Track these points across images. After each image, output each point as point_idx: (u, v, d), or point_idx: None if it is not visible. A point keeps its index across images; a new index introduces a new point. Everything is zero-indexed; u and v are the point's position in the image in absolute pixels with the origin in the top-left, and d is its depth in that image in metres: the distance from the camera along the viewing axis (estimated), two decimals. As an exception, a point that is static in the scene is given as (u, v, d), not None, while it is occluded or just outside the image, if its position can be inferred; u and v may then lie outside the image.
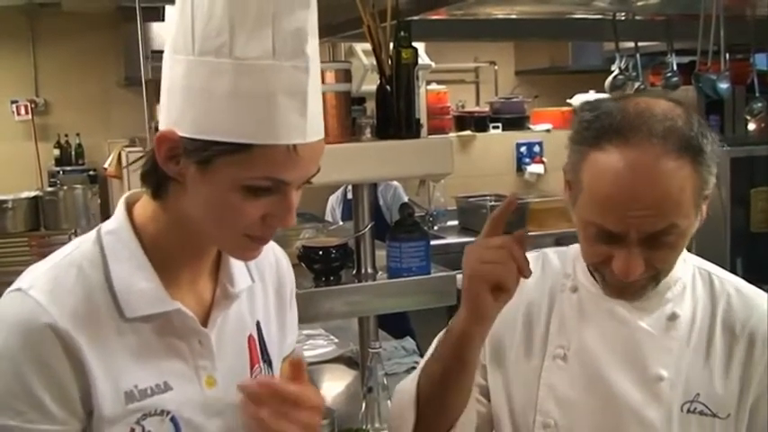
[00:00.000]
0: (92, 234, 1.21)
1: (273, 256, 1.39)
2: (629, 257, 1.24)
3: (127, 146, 5.89)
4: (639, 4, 3.17)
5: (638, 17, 3.47)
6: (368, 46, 2.16)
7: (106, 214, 8.09)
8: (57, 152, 7.72)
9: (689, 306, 1.36)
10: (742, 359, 1.32)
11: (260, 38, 1.07)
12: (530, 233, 4.37)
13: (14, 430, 1.08)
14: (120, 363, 1.14)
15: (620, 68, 3.55)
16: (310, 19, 1.10)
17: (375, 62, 2.12)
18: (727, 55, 3.06)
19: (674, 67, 3.49)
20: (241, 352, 1.29)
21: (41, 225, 6.79)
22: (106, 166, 6.07)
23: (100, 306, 1.14)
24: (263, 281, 1.35)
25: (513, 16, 3.31)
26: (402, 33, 2.07)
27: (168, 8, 1.10)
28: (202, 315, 1.23)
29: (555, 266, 1.48)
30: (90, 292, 1.14)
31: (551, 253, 1.51)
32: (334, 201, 4.80)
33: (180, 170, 1.11)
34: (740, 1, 3.17)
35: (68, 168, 7.62)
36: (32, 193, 6.88)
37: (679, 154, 1.20)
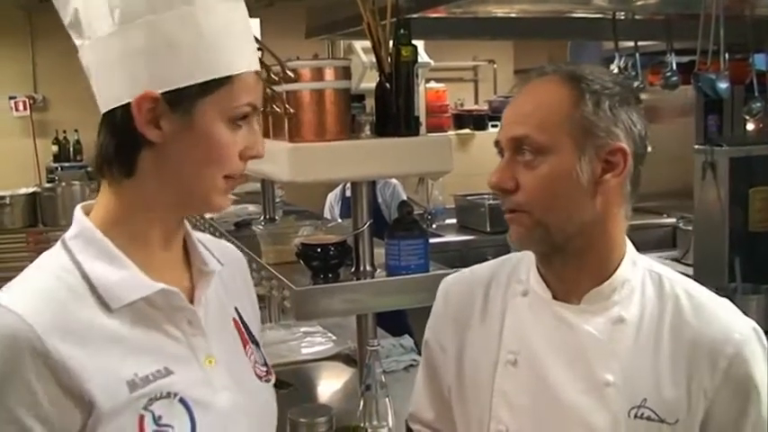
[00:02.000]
0: (55, 246, 1.19)
1: (231, 251, 1.44)
2: (498, 167, 1.32)
3: (125, 142, 5.87)
4: (639, 3, 3.18)
5: (637, 16, 3.48)
6: (367, 43, 2.16)
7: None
8: (55, 148, 7.72)
9: (636, 309, 1.34)
10: (689, 363, 1.30)
11: None
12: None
13: None
14: (115, 355, 1.12)
15: (619, 68, 3.55)
16: None
17: (374, 60, 2.12)
18: (727, 55, 3.07)
19: (674, 67, 3.49)
20: (230, 332, 1.31)
21: (39, 221, 6.81)
22: (104, 162, 6.06)
23: (83, 306, 1.12)
24: (229, 268, 1.36)
25: (513, 15, 3.31)
26: (402, 31, 2.07)
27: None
28: (186, 297, 1.22)
29: (509, 271, 1.48)
30: (71, 295, 1.12)
31: (514, 255, 1.50)
32: (332, 198, 4.79)
33: (161, 131, 1.14)
34: (739, 1, 3.17)
35: (66, 164, 7.62)
36: (30, 190, 6.89)
37: (562, 81, 1.31)
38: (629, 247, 1.38)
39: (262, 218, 3.08)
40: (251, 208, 3.31)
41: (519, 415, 1.36)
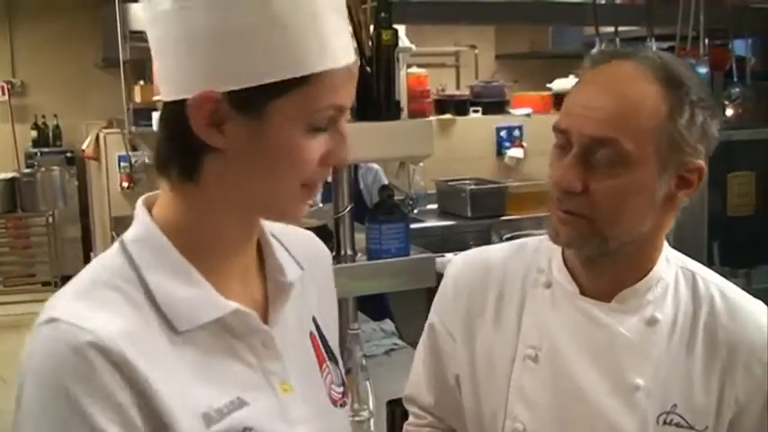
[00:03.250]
0: (113, 248, 1.03)
1: (310, 238, 1.25)
2: (567, 163, 1.18)
3: (105, 127, 5.85)
4: (620, -12, 3.18)
5: (618, 1, 3.48)
6: (349, 28, 2.15)
7: (83, 196, 8.07)
8: (34, 133, 7.67)
9: (670, 309, 1.27)
10: (722, 368, 1.24)
11: None
12: (509, 217, 4.36)
13: None
14: (185, 382, 0.96)
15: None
16: None
17: (355, 43, 2.12)
18: (707, 41, 3.08)
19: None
20: (307, 351, 1.15)
21: (18, 207, 6.78)
22: (84, 147, 6.03)
23: (150, 326, 0.96)
24: (309, 267, 1.17)
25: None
26: (382, 14, 2.07)
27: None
28: (259, 315, 1.06)
29: (528, 259, 1.39)
30: (135, 311, 0.96)
31: (528, 244, 1.42)
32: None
33: (225, 136, 0.94)
34: (720, -14, 3.18)
35: (46, 150, 7.58)
36: (9, 175, 6.86)
37: (659, 82, 1.16)
38: (664, 243, 1.31)
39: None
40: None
41: (538, 414, 1.28)
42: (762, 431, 1.25)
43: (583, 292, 1.29)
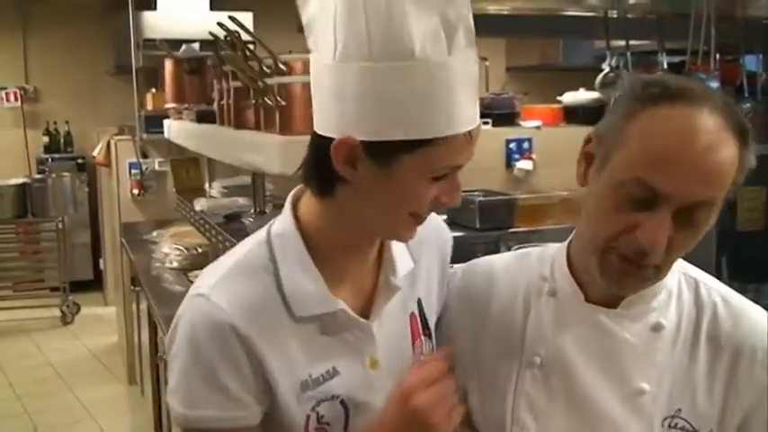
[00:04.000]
0: (261, 235, 1.26)
1: (436, 225, 1.41)
2: (660, 225, 1.14)
3: (116, 134, 5.87)
4: (631, 2, 3.19)
5: (629, 15, 3.49)
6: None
7: (94, 202, 8.10)
8: (46, 139, 7.72)
9: (674, 315, 1.29)
10: (726, 373, 1.25)
11: (436, 39, 1.09)
12: (518, 229, 4.37)
13: (213, 420, 1.18)
14: (295, 357, 1.21)
15: (610, 66, 3.56)
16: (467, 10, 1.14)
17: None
18: (718, 56, 3.08)
19: (665, 66, 3.50)
20: (403, 332, 1.33)
21: (29, 212, 6.80)
22: (95, 154, 6.06)
23: (274, 308, 1.20)
24: (424, 255, 1.38)
25: (505, 12, 3.32)
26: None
27: (304, 15, 1.13)
28: (365, 303, 1.29)
29: (531, 267, 1.39)
30: (265, 295, 1.21)
31: (531, 253, 1.43)
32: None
33: (357, 172, 1.13)
34: (731, 1, 3.18)
35: (57, 156, 7.63)
36: (21, 180, 6.88)
37: (733, 133, 1.15)
38: None
39: (252, 211, 3.08)
40: (241, 201, 3.31)
41: (545, 420, 1.29)
42: None
43: (587, 299, 1.29)
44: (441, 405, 1.17)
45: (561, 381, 1.28)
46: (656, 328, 1.27)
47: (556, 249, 1.38)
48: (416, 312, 1.36)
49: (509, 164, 5.88)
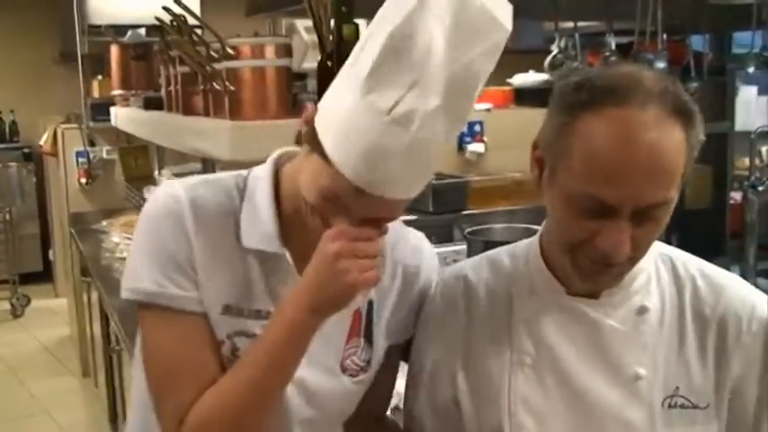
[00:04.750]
0: (242, 171, 1.35)
1: (419, 253, 1.45)
2: (619, 232, 1.14)
3: (63, 122, 5.76)
4: (579, -18, 3.20)
5: (577, -3, 3.50)
6: (309, 23, 2.15)
7: (42, 192, 7.99)
8: (-10, 129, 7.55)
9: (656, 297, 1.29)
10: (715, 344, 1.27)
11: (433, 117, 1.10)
12: (471, 211, 4.39)
13: (152, 295, 1.24)
14: (227, 278, 1.27)
15: (559, 48, 3.58)
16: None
17: (316, 38, 2.11)
18: (665, 36, 3.10)
19: (613, 47, 3.53)
20: (341, 321, 1.33)
21: (-26, 203, 6.68)
22: (41, 143, 5.95)
23: (225, 225, 1.28)
24: (396, 272, 1.40)
25: (455, -6, 3.30)
26: (343, 8, 2.06)
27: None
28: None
29: (506, 269, 1.39)
30: (222, 210, 1.28)
31: (502, 254, 1.42)
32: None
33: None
34: (677, -18, 3.21)
35: (2, 146, 7.48)
36: (-35, 171, 6.75)
37: (675, 118, 1.12)
38: None
39: (203, 198, 3.04)
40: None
41: (544, 419, 1.28)
42: (761, 399, 1.27)
43: (569, 292, 1.29)
44: (356, 258, 1.14)
45: (555, 378, 1.28)
46: (641, 311, 1.27)
47: (526, 245, 1.38)
48: (363, 313, 1.37)
49: (461, 147, 5.90)
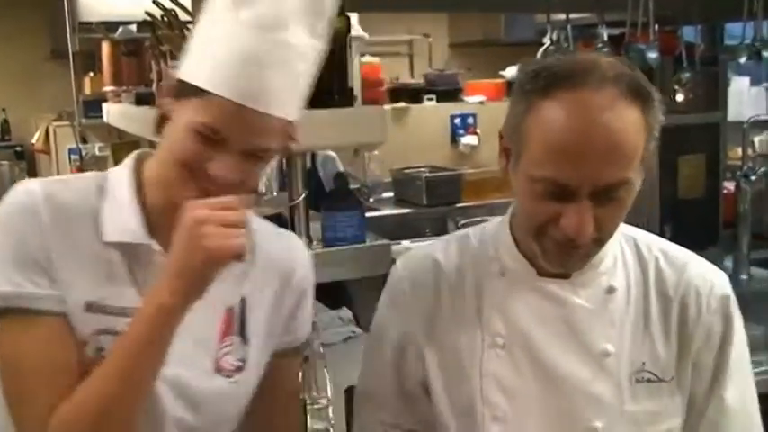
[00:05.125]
0: (105, 173, 1.34)
1: (292, 252, 1.45)
2: (580, 213, 1.18)
3: (54, 120, 5.74)
4: (570, -26, 3.20)
5: (569, -12, 3.50)
6: (300, 15, 2.14)
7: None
8: (-19, 127, 7.52)
9: (622, 277, 1.34)
10: (678, 321, 1.34)
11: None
12: (465, 204, 4.38)
13: (10, 297, 1.20)
14: (88, 275, 1.23)
15: (551, 40, 3.58)
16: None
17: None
18: (656, 27, 3.11)
19: (605, 39, 3.53)
20: (211, 319, 1.32)
21: (-33, 202, 6.66)
22: (34, 141, 5.93)
23: (84, 223, 1.25)
24: (264, 265, 1.38)
25: (446, -14, 3.31)
26: (334, 1, 2.05)
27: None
28: None
29: (475, 250, 1.42)
30: (82, 208, 1.26)
31: (469, 236, 1.45)
32: (268, 171, 4.73)
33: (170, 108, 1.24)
34: (668, -27, 3.21)
35: (-6, 144, 7.44)
36: (-43, 170, 6.72)
37: (631, 99, 1.16)
38: None
39: (196, 193, 3.04)
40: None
41: (516, 398, 1.32)
42: (717, 371, 1.34)
43: (539, 273, 1.32)
44: (219, 225, 1.13)
45: (526, 356, 1.31)
46: (609, 290, 1.33)
47: (495, 227, 1.41)
48: (236, 310, 1.35)
49: (454, 139, 5.92)
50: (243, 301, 1.36)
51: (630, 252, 1.37)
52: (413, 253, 1.50)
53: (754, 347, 2.51)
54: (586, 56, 1.24)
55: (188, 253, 1.13)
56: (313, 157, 4.34)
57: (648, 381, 1.31)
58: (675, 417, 1.33)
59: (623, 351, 1.31)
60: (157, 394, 1.25)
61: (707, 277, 1.37)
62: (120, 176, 1.31)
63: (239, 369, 1.36)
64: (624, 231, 1.38)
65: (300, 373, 1.98)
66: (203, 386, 1.31)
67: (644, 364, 1.32)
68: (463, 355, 1.36)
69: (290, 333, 1.44)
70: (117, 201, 1.28)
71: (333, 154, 4.71)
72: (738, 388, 1.35)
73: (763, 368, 2.37)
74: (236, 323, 1.36)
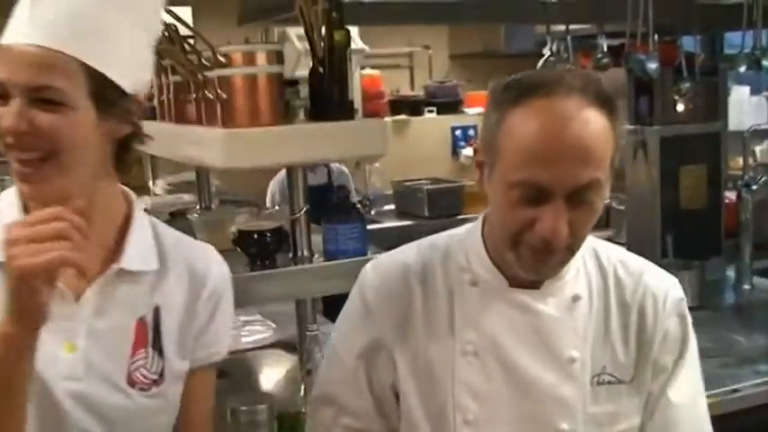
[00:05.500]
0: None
1: (207, 260, 1.42)
2: (556, 214, 1.23)
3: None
4: (570, -16, 3.21)
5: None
6: (301, 30, 2.14)
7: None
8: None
9: (585, 285, 1.41)
10: (637, 326, 1.41)
11: None
12: (466, 216, 4.39)
13: None
14: None
15: (551, 51, 3.58)
16: None
17: (308, 45, 2.11)
18: (656, 37, 3.11)
19: (604, 49, 3.53)
20: (123, 332, 1.29)
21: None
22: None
23: None
24: (178, 272, 1.36)
25: (446, -1, 3.31)
26: (334, 14, 2.06)
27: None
28: (83, 282, 1.24)
29: (445, 259, 1.46)
30: None
31: (438, 245, 1.49)
32: (273, 186, 4.74)
33: None
34: (668, -17, 3.22)
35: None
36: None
37: (599, 106, 1.23)
38: None
39: (197, 207, 3.04)
40: (186, 197, 3.27)
41: (487, 402, 1.37)
42: (674, 371, 1.42)
43: (511, 284, 1.38)
44: (28, 242, 1.06)
45: (497, 363, 1.36)
46: (575, 299, 1.39)
47: (465, 235, 1.46)
48: (149, 320, 1.32)
49: (455, 151, 5.93)
50: (156, 310, 1.33)
51: (591, 262, 1.44)
52: (382, 259, 1.53)
53: (756, 358, 2.53)
54: (555, 70, 1.33)
55: (8, 276, 1.08)
56: (329, 171, 4.37)
57: (609, 383, 1.38)
58: (634, 416, 1.40)
59: (586, 356, 1.37)
60: (64, 410, 1.23)
61: (661, 284, 1.45)
62: (8, 194, 1.31)
63: (156, 383, 1.33)
64: (586, 242, 1.42)
65: (302, 388, 1.98)
66: (114, 401, 1.28)
67: (605, 367, 1.38)
68: (435, 361, 1.40)
69: (204, 347, 1.41)
70: (5, 214, 1.26)
71: (345, 169, 4.72)
72: (689, 386, 1.43)
73: (766, 378, 2.37)
74: (151, 334, 1.33)
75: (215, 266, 1.44)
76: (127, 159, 1.33)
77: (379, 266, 1.51)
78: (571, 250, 1.31)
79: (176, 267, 1.36)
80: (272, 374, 2.62)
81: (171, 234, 1.42)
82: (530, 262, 1.30)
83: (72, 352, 1.24)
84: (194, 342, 1.39)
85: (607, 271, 1.43)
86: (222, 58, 2.06)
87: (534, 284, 1.38)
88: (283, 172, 4.62)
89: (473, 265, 1.41)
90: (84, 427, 1.26)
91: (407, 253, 1.50)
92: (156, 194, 3.98)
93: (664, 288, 1.44)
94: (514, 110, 1.25)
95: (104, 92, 1.22)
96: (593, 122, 1.22)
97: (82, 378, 1.22)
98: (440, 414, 1.39)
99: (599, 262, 1.44)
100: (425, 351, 1.41)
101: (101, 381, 1.26)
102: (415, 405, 1.41)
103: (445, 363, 1.39)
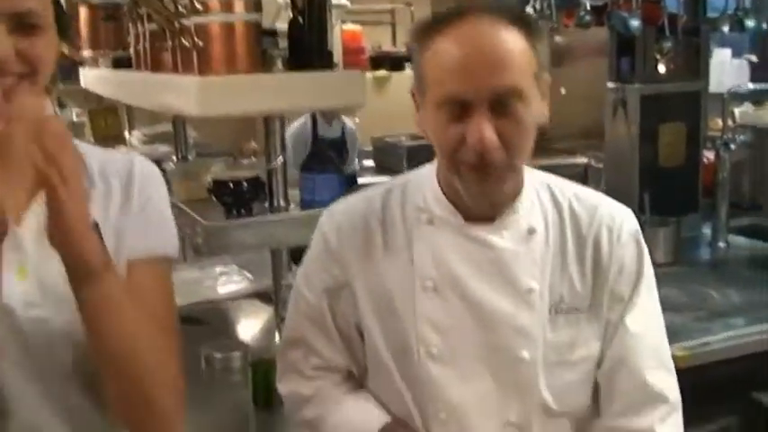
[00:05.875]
0: None
1: (129, 163, 1.37)
2: (480, 123, 1.27)
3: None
4: (553, -59, 3.18)
5: (552, -45, 3.47)
6: (281, -20, 2.11)
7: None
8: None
9: (540, 219, 1.45)
10: (592, 257, 1.44)
11: None
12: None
13: None
14: None
15: (534, 9, 3.55)
16: None
17: (286, -7, 2.08)
18: (640, -4, 3.10)
19: (588, 7, 3.51)
20: None
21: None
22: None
23: None
24: (109, 185, 1.33)
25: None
26: (314, -37, 2.03)
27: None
28: (21, 207, 1.21)
29: (403, 200, 1.49)
30: None
31: (396, 187, 1.52)
32: (288, 141, 4.68)
33: None
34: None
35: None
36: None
37: (512, 24, 1.30)
38: None
39: (174, 157, 3.02)
40: (162, 148, 3.25)
41: (449, 335, 1.41)
42: (630, 300, 1.46)
43: (466, 219, 1.42)
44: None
45: (457, 296, 1.41)
46: (530, 231, 1.43)
47: (420, 178, 1.50)
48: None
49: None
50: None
51: (546, 196, 1.47)
52: (342, 202, 1.56)
53: (732, 312, 2.56)
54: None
55: None
56: (314, 121, 4.32)
57: (566, 312, 1.43)
58: (593, 343, 1.45)
59: (545, 287, 1.42)
60: (26, 337, 1.21)
61: (617, 215, 1.48)
62: None
63: None
64: (538, 177, 1.49)
65: (276, 336, 1.98)
66: (73, 322, 1.22)
67: (562, 297, 1.43)
68: (396, 298, 1.44)
69: (142, 238, 1.33)
70: None
71: (354, 129, 4.68)
72: (646, 314, 1.47)
73: (740, 332, 2.40)
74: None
75: (137, 165, 1.38)
76: (55, 81, 1.33)
77: (339, 209, 1.54)
78: (511, 167, 1.35)
79: (104, 181, 1.33)
80: (248, 324, 2.63)
81: (95, 152, 1.38)
82: (472, 181, 1.34)
83: (24, 278, 1.22)
84: (131, 238, 1.33)
85: (562, 205, 1.47)
86: (199, 6, 2.03)
87: (489, 217, 1.42)
88: (296, 124, 4.61)
89: (430, 204, 1.45)
90: (51, 351, 1.24)
91: (367, 195, 1.54)
92: (132, 145, 3.95)
93: (618, 219, 1.48)
94: (432, 39, 1.32)
95: (61, 14, 1.26)
96: (505, 33, 1.29)
97: (41, 304, 1.21)
98: (404, 349, 1.43)
99: (553, 196, 1.48)
100: (387, 288, 1.45)
101: (57, 299, 1.22)
102: (380, 342, 1.46)
103: (406, 299, 1.43)
